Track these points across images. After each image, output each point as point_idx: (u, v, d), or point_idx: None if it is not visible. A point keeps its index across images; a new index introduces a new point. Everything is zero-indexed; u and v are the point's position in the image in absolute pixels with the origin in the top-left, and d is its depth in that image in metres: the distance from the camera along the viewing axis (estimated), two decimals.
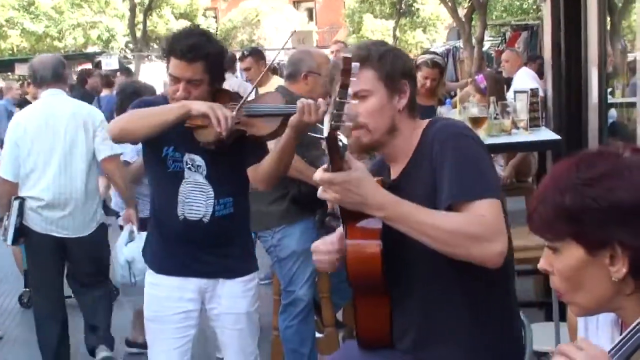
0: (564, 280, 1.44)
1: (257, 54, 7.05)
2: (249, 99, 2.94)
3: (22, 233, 4.38)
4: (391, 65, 2.18)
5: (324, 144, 1.84)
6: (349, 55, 1.79)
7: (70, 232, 4.40)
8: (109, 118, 4.66)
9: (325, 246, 2.21)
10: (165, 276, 3.05)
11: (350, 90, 2.18)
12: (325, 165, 1.90)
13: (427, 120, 2.25)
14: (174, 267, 3.03)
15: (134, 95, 4.24)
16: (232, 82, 7.18)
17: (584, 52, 6.01)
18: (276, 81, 6.28)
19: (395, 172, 2.24)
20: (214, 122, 2.72)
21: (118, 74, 12.24)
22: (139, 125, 2.84)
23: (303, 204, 3.83)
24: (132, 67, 23.68)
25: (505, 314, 2.22)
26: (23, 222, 4.35)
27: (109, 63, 15.26)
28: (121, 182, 4.57)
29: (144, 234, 4.34)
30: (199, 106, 2.76)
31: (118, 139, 3.07)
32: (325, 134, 1.82)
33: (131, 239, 4.41)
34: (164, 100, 3.03)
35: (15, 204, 4.32)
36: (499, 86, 5.84)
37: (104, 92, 9.56)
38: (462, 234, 1.91)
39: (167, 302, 3.04)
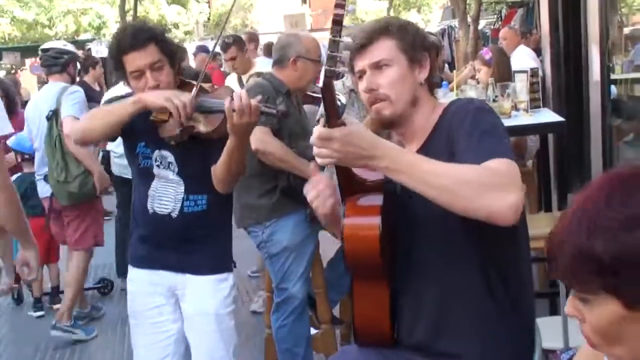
0: (597, 335, 1.20)
1: (239, 41, 6.63)
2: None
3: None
4: (412, 36, 2.12)
5: (319, 111, 1.71)
6: None
7: None
8: None
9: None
10: (138, 269, 2.99)
11: (367, 61, 2.08)
12: (321, 123, 1.77)
13: (448, 101, 2.16)
14: (144, 258, 2.96)
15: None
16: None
17: (583, 28, 5.82)
18: (260, 66, 6.03)
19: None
20: (174, 112, 2.62)
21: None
22: (97, 125, 2.82)
23: (294, 196, 3.65)
24: None
25: (526, 304, 2.10)
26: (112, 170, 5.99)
27: (99, 50, 14.87)
28: None
29: None
30: (154, 98, 2.67)
31: (81, 142, 3.04)
32: (321, 83, 1.70)
33: None
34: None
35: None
36: (504, 58, 5.65)
37: None
38: (474, 182, 1.73)
39: (140, 297, 2.99)
